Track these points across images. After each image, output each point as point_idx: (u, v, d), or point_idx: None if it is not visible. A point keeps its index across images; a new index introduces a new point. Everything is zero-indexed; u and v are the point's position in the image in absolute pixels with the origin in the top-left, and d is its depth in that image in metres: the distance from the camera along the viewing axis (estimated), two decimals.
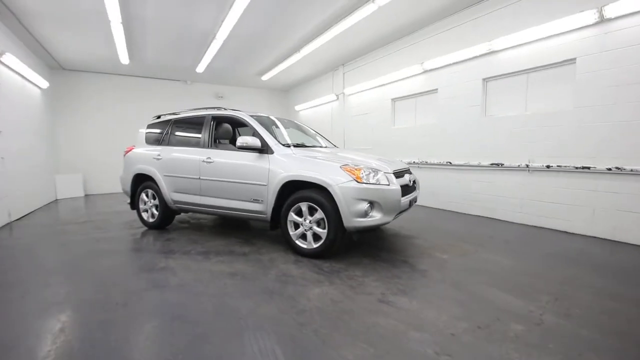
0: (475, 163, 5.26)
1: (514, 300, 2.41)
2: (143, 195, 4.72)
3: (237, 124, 4.83)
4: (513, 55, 4.69)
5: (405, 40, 6.44)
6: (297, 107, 10.92)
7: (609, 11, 3.62)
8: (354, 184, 3.09)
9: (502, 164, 4.89)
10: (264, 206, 3.62)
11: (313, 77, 9.80)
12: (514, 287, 2.63)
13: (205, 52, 7.33)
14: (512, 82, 4.83)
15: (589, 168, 3.95)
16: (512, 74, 4.76)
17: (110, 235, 4.43)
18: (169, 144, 4.61)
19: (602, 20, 3.72)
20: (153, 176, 4.53)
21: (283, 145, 3.69)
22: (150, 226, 4.70)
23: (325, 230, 3.21)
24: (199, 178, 4.09)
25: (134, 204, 4.92)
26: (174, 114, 4.98)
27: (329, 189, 3.13)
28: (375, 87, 7.42)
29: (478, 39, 5.05)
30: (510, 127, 4.81)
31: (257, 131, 3.81)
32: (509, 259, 3.31)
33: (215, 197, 4.01)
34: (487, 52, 4.97)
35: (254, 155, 3.72)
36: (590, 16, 3.78)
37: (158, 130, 4.90)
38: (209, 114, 4.33)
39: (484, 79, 5.13)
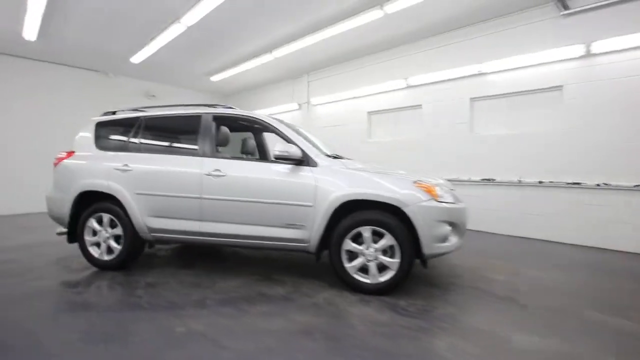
0: (465, 178, 5.44)
1: (632, 324, 2.32)
2: (93, 223, 3.28)
3: (246, 129, 3.87)
4: (502, 78, 5.05)
5: (386, 55, 6.42)
6: None
7: (596, 47, 4.18)
8: (434, 203, 2.65)
9: (493, 179, 5.16)
10: (306, 233, 2.84)
11: (270, 82, 9.04)
12: (610, 307, 2.56)
13: (154, 38, 5.92)
14: (499, 103, 5.19)
15: (579, 184, 4.43)
16: (501, 95, 5.12)
17: (42, 285, 2.89)
18: (140, 150, 3.35)
19: (588, 54, 4.27)
20: (115, 195, 3.19)
21: (327, 156, 3.02)
22: (105, 265, 3.27)
23: (397, 260, 2.66)
24: (200, 197, 3.03)
25: (74, 235, 3.40)
26: (137, 110, 3.71)
27: (405, 209, 2.61)
28: (348, 99, 7.18)
29: (467, 60, 5.31)
30: (498, 144, 5.13)
31: (288, 138, 3.03)
32: (558, 274, 3.33)
33: (226, 222, 3.01)
34: (476, 74, 5.25)
35: (287, 168, 2.92)
36: (579, 50, 4.31)
37: (119, 132, 3.55)
38: (208, 113, 3.30)
39: (471, 99, 5.40)
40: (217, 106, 3.42)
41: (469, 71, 5.28)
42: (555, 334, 2.15)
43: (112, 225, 3.26)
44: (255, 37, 6.15)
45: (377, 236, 2.70)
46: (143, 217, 3.16)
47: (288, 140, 3.00)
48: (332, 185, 2.78)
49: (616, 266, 3.68)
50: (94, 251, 3.31)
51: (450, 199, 2.76)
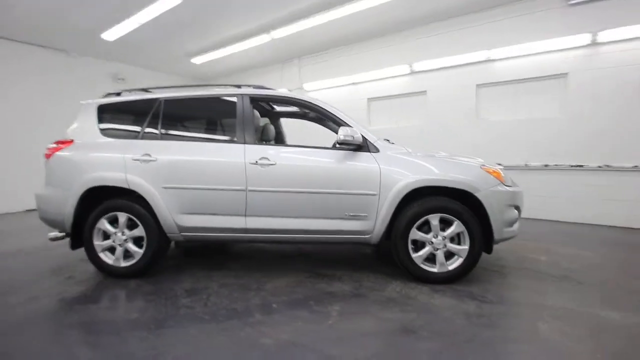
0: None
1: None
2: (105, 224, 2.76)
3: (280, 114, 3.50)
4: (508, 65, 5.17)
5: (390, 39, 6.27)
6: None
7: (602, 36, 4.41)
8: (503, 188, 2.59)
9: (499, 164, 5.31)
10: (369, 223, 2.63)
11: (256, 67, 8.46)
12: None
13: (133, 13, 5.15)
14: (505, 90, 5.32)
15: (582, 166, 4.72)
16: (507, 82, 5.25)
17: (47, 305, 2.37)
18: (162, 137, 2.86)
19: (594, 43, 4.50)
20: (137, 190, 2.70)
21: (386, 140, 2.82)
22: (122, 273, 2.77)
23: (465, 247, 2.57)
24: (245, 189, 2.66)
25: (79, 240, 2.85)
26: (146, 90, 3.19)
27: (477, 194, 2.52)
28: (346, 84, 6.97)
29: (474, 46, 5.35)
30: (504, 130, 5.30)
31: (343, 122, 2.76)
32: (588, 252, 3.48)
33: (277, 216, 2.69)
34: (483, 60, 5.32)
35: (343, 154, 2.67)
36: (585, 39, 4.51)
37: (130, 116, 3.02)
38: (242, 94, 2.90)
39: (477, 85, 5.49)
40: (243, 86, 3.03)
41: (476, 57, 5.34)
42: (636, 308, 2.21)
43: (130, 225, 2.77)
44: (248, 17, 5.65)
45: (442, 223, 2.59)
46: (173, 215, 2.72)
47: (342, 124, 2.74)
48: (398, 171, 2.60)
49: (632, 241, 3.98)
50: (107, 257, 2.80)
51: (510, 183, 2.73)
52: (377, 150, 2.68)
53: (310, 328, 1.99)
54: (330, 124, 3.26)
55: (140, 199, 2.73)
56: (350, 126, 2.69)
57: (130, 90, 3.17)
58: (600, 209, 4.63)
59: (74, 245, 2.87)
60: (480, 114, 5.57)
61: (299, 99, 2.89)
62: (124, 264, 2.78)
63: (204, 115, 3.12)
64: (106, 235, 2.80)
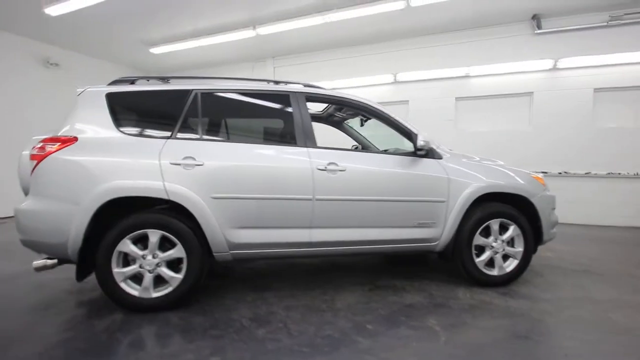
0: None
1: None
2: (130, 246, 2.16)
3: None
4: (484, 81, 5.76)
5: (373, 48, 6.41)
6: None
7: (561, 63, 5.22)
8: (549, 193, 2.83)
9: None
10: (437, 231, 2.59)
11: (224, 63, 7.78)
12: None
13: None
14: (481, 103, 5.89)
15: (545, 172, 5.47)
16: (483, 96, 5.83)
17: None
18: (205, 137, 2.38)
19: (555, 68, 5.29)
20: (180, 201, 2.18)
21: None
22: (152, 306, 2.19)
23: (520, 249, 2.72)
24: (312, 198, 2.37)
25: (85, 268, 2.19)
26: (164, 79, 2.64)
27: (532, 199, 2.70)
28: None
29: (454, 62, 5.82)
30: (479, 140, 5.86)
31: (406, 127, 2.68)
32: (587, 247, 3.97)
33: (344, 227, 2.46)
34: (463, 75, 5.82)
35: (408, 160, 2.60)
36: (548, 63, 5.29)
37: (156, 111, 2.44)
38: (296, 92, 2.59)
39: (456, 98, 5.97)
40: (280, 82, 2.74)
41: (456, 73, 5.81)
42: None
43: (161, 247, 2.23)
44: (228, 8, 5.20)
45: (504, 229, 2.69)
46: (223, 230, 2.27)
47: (407, 130, 2.66)
48: (465, 177, 2.62)
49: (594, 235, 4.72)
50: (130, 288, 2.20)
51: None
52: (441, 157, 2.67)
53: (430, 347, 1.85)
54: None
55: (177, 212, 2.22)
56: (411, 131, 2.63)
57: (148, 78, 2.57)
58: (562, 209, 5.43)
59: (82, 275, 2.20)
60: (458, 125, 6.07)
61: (364, 104, 2.71)
62: (155, 294, 2.22)
63: (250, 113, 2.71)
64: (126, 261, 2.21)
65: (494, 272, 2.70)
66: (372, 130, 3.67)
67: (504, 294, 2.57)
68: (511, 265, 2.72)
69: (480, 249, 2.68)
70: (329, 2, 4.94)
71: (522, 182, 2.72)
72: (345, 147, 2.75)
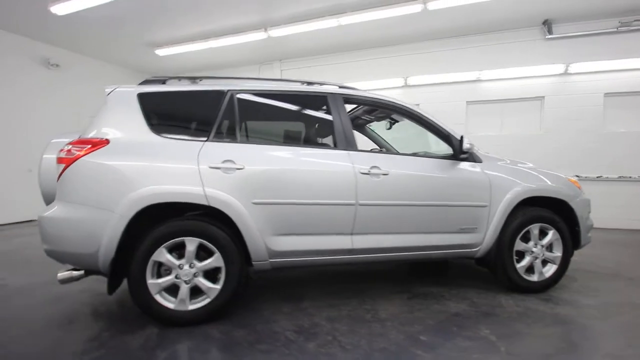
0: None
1: None
2: (166, 255, 2.02)
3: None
4: (495, 85, 5.78)
5: (383, 51, 6.39)
6: None
7: (572, 68, 5.28)
8: (585, 197, 2.80)
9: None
10: (478, 236, 2.53)
11: (229, 65, 7.65)
12: None
13: None
14: (492, 107, 5.92)
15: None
16: (493, 101, 5.85)
17: None
18: (243, 139, 2.27)
19: (566, 73, 5.35)
20: (222, 207, 2.06)
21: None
22: (188, 319, 2.06)
23: (559, 254, 2.67)
24: (355, 203, 2.28)
25: (116, 279, 2.04)
26: (193, 79, 2.52)
27: (571, 203, 2.66)
28: None
29: (465, 66, 5.84)
30: (489, 144, 5.86)
31: (443, 129, 2.62)
32: (609, 251, 3.96)
33: (386, 233, 2.37)
34: (474, 80, 5.84)
35: (448, 164, 2.53)
36: (559, 68, 5.34)
37: (192, 112, 2.33)
38: (334, 93, 2.51)
39: (467, 102, 5.98)
40: (314, 83, 2.66)
41: (466, 77, 5.83)
42: None
43: (198, 257, 2.09)
44: (241, 9, 5.10)
45: (543, 233, 2.64)
46: (264, 237, 2.16)
47: (444, 132, 2.59)
48: (505, 181, 2.57)
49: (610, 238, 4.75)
50: (165, 300, 2.06)
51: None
52: (481, 160, 2.62)
53: (493, 359, 1.77)
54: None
55: (211, 218, 2.09)
56: (450, 134, 2.58)
57: (179, 78, 2.45)
58: None
59: (113, 289, 2.04)
60: (469, 129, 6.07)
61: (403, 106, 2.64)
62: (191, 306, 2.08)
63: (288, 115, 2.61)
64: (159, 272, 2.06)
65: (534, 277, 2.64)
66: (396, 133, 3.62)
67: (546, 300, 2.51)
68: (550, 270, 2.67)
69: (520, 255, 2.63)
70: (343, 4, 4.91)
71: (562, 186, 2.69)
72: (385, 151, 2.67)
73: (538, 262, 2.64)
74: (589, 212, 2.81)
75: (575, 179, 2.92)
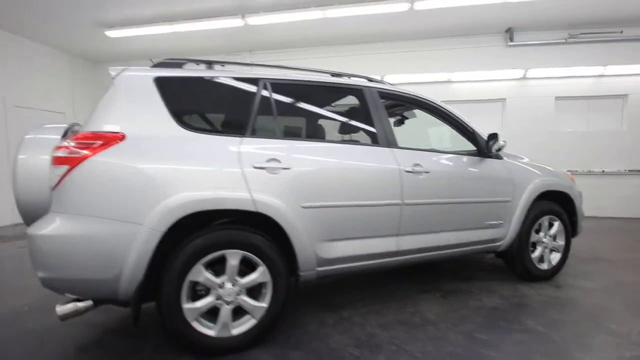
0: None
1: None
2: (204, 273, 1.69)
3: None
4: (465, 87, 6.16)
5: (364, 48, 6.37)
6: None
7: (529, 73, 5.86)
8: (579, 190, 3.08)
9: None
10: (502, 231, 2.62)
11: (189, 54, 6.89)
12: None
13: None
14: (461, 107, 6.25)
15: None
16: (462, 101, 6.23)
17: None
18: (285, 135, 2.00)
19: (524, 77, 5.92)
20: (271, 214, 1.78)
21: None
22: (233, 346, 1.75)
23: (562, 243, 2.91)
24: (401, 203, 2.17)
25: (140, 301, 1.65)
26: (210, 64, 2.16)
27: (572, 196, 2.91)
28: None
29: (438, 67, 6.12)
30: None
31: (467, 126, 2.66)
32: (587, 238, 4.46)
33: (425, 233, 2.31)
34: (445, 80, 6.14)
35: (474, 161, 2.58)
36: (519, 73, 5.89)
37: (222, 103, 1.98)
38: (370, 87, 2.36)
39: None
40: (343, 75, 2.49)
41: (439, 77, 6.12)
42: None
43: (241, 271, 1.80)
44: None
45: (550, 225, 2.85)
46: (314, 245, 1.94)
47: (471, 129, 2.64)
48: (523, 177, 2.71)
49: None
50: (203, 326, 1.73)
51: None
52: (501, 157, 2.72)
53: (554, 348, 1.83)
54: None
55: (252, 227, 1.82)
56: (476, 131, 2.64)
57: (197, 62, 2.07)
58: None
59: (137, 320, 1.65)
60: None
61: (435, 103, 2.62)
62: (235, 330, 1.78)
63: (322, 108, 2.38)
64: (195, 294, 1.73)
65: (544, 266, 2.84)
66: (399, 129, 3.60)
67: (558, 287, 2.72)
68: (556, 258, 2.90)
69: (533, 245, 2.81)
70: None
71: (565, 179, 2.93)
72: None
73: (547, 252, 2.85)
74: (581, 203, 3.12)
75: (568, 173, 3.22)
